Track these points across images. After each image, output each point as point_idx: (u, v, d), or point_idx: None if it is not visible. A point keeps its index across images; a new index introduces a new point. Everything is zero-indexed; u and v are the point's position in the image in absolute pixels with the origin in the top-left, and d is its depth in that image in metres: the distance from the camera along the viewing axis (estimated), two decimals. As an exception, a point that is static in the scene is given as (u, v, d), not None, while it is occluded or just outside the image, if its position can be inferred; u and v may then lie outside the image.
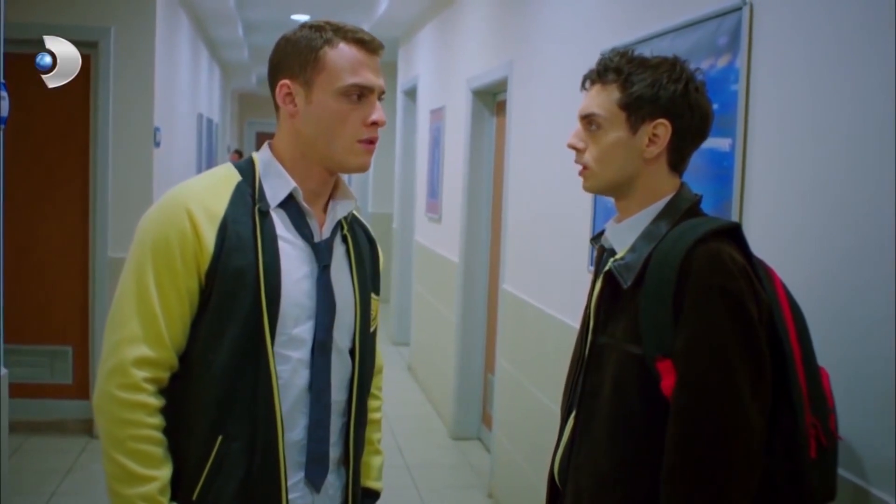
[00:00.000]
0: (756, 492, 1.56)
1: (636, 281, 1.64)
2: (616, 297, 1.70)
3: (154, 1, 5.42)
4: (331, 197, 1.79)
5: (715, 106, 2.05)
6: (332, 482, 1.77)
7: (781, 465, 1.59)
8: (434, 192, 6.70)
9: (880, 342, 1.72)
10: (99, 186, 5.31)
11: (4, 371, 2.87)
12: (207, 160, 9.21)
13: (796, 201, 2.02)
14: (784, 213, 2.06)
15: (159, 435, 1.62)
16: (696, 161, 2.21)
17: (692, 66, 1.73)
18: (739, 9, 2.25)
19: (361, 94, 1.68)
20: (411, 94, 8.08)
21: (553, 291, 3.77)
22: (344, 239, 1.81)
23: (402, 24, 7.91)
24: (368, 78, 1.68)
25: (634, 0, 3.06)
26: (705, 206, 2.29)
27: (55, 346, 5.40)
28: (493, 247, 5.35)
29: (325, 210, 1.77)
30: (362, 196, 11.33)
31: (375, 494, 1.96)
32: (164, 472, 1.61)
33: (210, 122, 9.81)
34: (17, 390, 5.00)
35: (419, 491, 4.82)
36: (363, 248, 1.86)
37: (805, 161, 1.99)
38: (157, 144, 5.56)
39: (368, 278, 1.84)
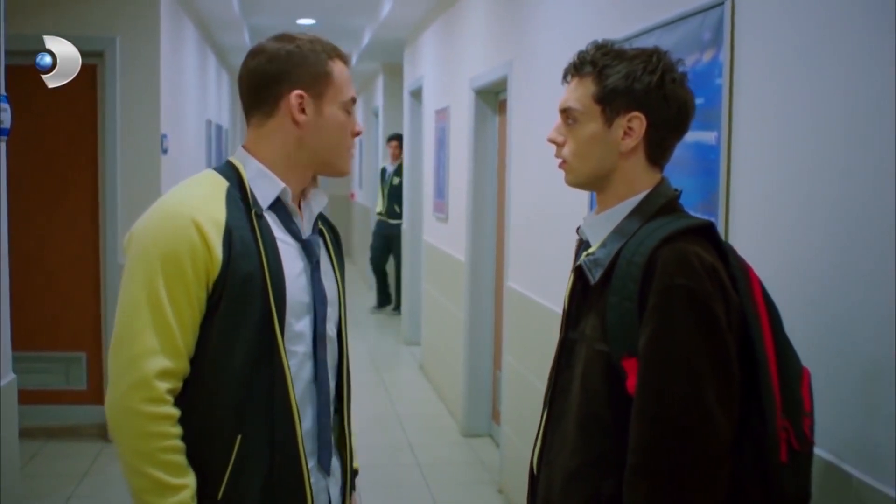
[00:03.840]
0: (725, 495, 1.52)
1: (604, 277, 1.62)
2: (586, 292, 1.68)
3: (158, 10, 5.47)
4: (302, 194, 1.85)
5: (700, 100, 2.08)
6: (335, 464, 1.86)
7: (750, 468, 1.56)
8: (441, 191, 6.74)
9: (869, 335, 1.70)
10: (108, 194, 5.38)
11: (13, 376, 2.92)
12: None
13: (783, 193, 2.03)
14: (771, 204, 2.08)
15: (182, 444, 1.66)
16: (683, 154, 2.25)
17: (675, 58, 1.69)
18: (722, 3, 2.28)
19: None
20: (417, 94, 8.11)
21: (553, 287, 3.80)
22: (321, 233, 1.89)
23: (407, 25, 7.92)
24: (354, 93, 1.86)
25: (625, -3, 3.09)
26: (693, 200, 2.33)
27: (69, 353, 5.48)
28: (499, 245, 5.39)
29: (298, 207, 1.84)
30: (372, 199, 11.37)
31: (355, 473, 2.03)
32: (192, 479, 1.65)
33: (219, 127, 9.87)
34: (33, 397, 5.11)
35: (430, 489, 4.86)
36: (334, 239, 1.96)
37: (790, 153, 2.01)
38: (165, 151, 5.62)
39: (342, 267, 1.95)
